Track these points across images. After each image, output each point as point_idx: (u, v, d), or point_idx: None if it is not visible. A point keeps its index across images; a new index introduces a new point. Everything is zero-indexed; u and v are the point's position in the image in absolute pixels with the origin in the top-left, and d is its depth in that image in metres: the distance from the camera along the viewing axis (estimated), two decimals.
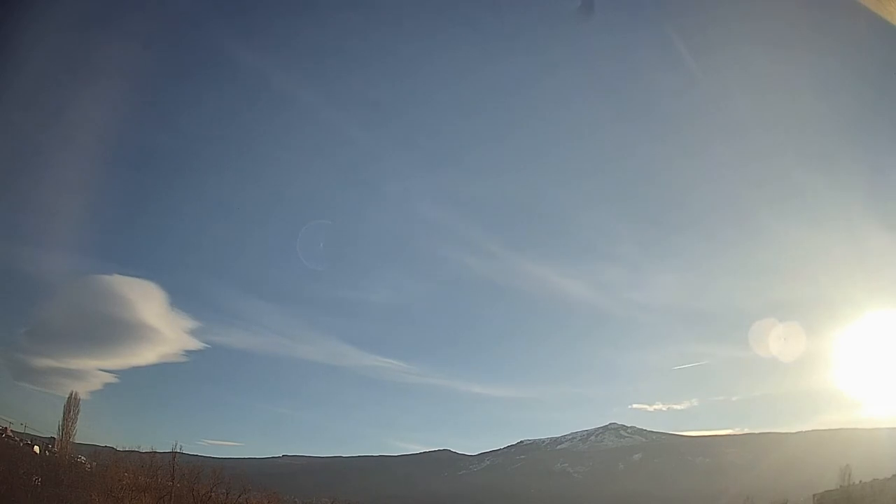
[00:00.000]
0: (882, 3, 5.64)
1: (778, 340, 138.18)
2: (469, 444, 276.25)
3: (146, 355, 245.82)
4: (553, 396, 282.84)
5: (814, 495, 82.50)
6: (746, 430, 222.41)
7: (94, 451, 71.54)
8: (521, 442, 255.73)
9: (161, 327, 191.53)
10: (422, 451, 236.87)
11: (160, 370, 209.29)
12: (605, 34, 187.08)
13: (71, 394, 75.20)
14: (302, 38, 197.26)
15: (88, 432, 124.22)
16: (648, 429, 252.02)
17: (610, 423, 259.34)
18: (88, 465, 64.48)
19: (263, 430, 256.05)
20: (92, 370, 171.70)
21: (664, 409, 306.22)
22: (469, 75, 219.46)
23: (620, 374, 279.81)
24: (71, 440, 70.90)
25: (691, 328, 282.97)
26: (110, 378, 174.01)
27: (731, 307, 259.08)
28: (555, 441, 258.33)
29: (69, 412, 71.37)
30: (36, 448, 67.05)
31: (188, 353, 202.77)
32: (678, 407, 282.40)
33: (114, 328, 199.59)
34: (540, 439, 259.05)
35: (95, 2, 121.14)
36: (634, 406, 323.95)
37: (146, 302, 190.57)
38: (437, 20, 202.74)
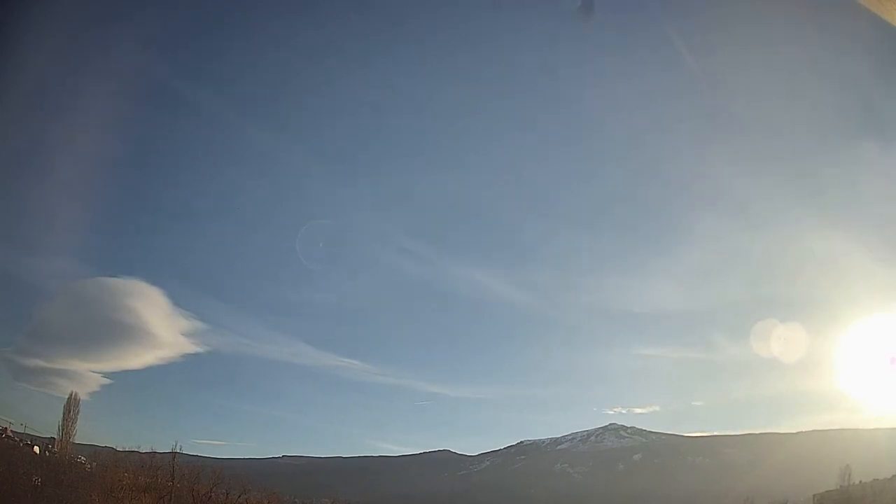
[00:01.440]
0: (882, 4, 5.63)
1: (778, 341, 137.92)
2: (446, 445, 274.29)
3: (145, 357, 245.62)
4: (510, 398, 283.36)
5: (814, 496, 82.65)
6: (746, 431, 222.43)
7: (94, 451, 71.59)
8: (521, 442, 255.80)
9: (160, 330, 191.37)
10: (422, 451, 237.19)
11: (156, 372, 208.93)
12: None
13: (71, 394, 75.63)
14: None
15: (88, 433, 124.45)
16: (648, 429, 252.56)
17: (610, 424, 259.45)
18: (88, 466, 64.59)
19: (254, 431, 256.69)
20: (90, 371, 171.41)
21: (624, 411, 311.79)
22: (421, 77, 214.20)
23: (569, 379, 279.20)
24: (71, 440, 71.12)
25: (679, 329, 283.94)
26: (108, 380, 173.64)
27: (728, 306, 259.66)
28: (555, 441, 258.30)
29: (69, 412, 71.70)
30: (36, 448, 67.05)
31: (185, 356, 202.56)
32: (640, 410, 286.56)
33: (113, 330, 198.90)
34: (540, 440, 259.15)
35: (97, 3, 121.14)
36: (594, 410, 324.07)
37: (145, 305, 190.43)
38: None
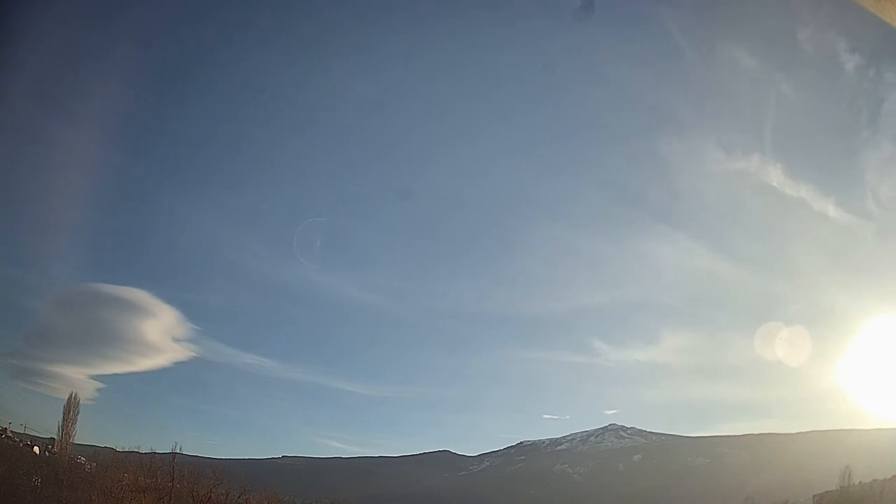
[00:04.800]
0: (881, 4, 5.61)
1: (783, 343, 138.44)
2: (446, 445, 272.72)
3: (142, 362, 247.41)
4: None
5: (814, 496, 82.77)
6: (747, 431, 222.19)
7: (94, 451, 71.60)
8: (521, 443, 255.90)
9: (155, 336, 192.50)
10: (422, 451, 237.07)
11: (154, 376, 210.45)
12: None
13: (71, 395, 75.33)
14: None
15: (88, 433, 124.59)
16: (648, 429, 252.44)
17: (610, 424, 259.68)
18: (88, 466, 64.56)
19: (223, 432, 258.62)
20: (87, 375, 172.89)
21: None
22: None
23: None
24: (71, 441, 70.98)
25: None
26: (104, 384, 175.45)
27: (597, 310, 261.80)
28: (554, 442, 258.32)
29: (69, 413, 71.49)
30: (36, 449, 66.95)
31: (178, 362, 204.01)
32: (549, 416, 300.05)
33: (111, 334, 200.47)
34: (540, 440, 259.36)
35: (97, 2, 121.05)
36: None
37: (142, 309, 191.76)
38: None
